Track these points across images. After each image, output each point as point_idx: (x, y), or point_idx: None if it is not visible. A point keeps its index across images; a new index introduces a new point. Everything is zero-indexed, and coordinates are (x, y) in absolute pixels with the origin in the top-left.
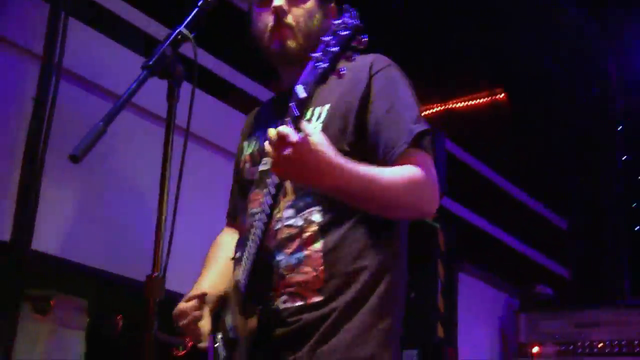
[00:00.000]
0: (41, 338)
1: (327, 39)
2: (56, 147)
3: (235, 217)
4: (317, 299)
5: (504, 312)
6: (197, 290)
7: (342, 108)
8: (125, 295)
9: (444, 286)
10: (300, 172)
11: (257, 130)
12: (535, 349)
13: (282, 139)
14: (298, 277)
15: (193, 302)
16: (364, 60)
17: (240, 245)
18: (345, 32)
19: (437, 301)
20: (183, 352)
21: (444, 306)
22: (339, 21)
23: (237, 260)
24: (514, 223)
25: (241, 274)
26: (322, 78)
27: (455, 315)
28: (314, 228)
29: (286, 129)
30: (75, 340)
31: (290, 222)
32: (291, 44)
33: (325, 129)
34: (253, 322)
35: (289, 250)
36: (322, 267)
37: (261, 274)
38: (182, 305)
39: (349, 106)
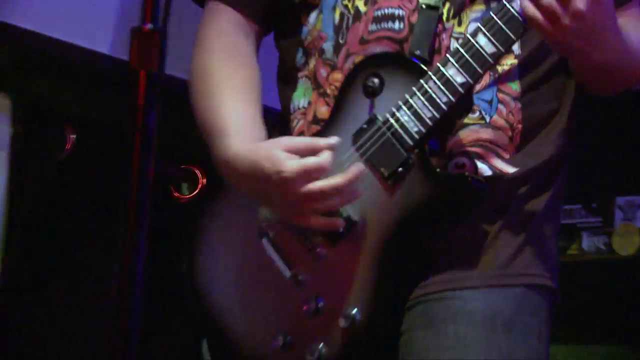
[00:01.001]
0: None
1: None
2: None
3: (257, 6)
4: (507, 168)
5: None
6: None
7: None
8: (81, 86)
9: None
10: (587, 41)
11: None
12: None
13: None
14: (484, 133)
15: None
16: None
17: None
18: None
19: None
20: (188, 197)
21: None
22: None
23: (370, 91)
24: None
25: (409, 121)
26: None
27: None
28: (512, 60)
29: None
30: None
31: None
32: None
33: None
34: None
35: (475, 87)
36: (520, 124)
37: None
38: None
39: None
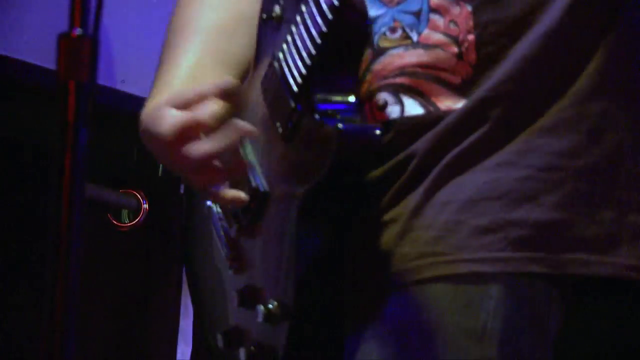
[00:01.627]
0: None
1: None
2: None
3: None
4: (453, 104)
5: None
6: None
7: None
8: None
9: None
10: None
11: None
12: None
13: None
14: (411, 56)
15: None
16: None
17: None
18: None
19: None
20: (129, 225)
21: None
22: None
23: (271, 22)
24: None
25: (293, 60)
26: None
27: None
28: None
29: None
30: None
31: None
32: None
33: None
34: (315, 151)
35: None
36: (470, 34)
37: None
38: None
39: None
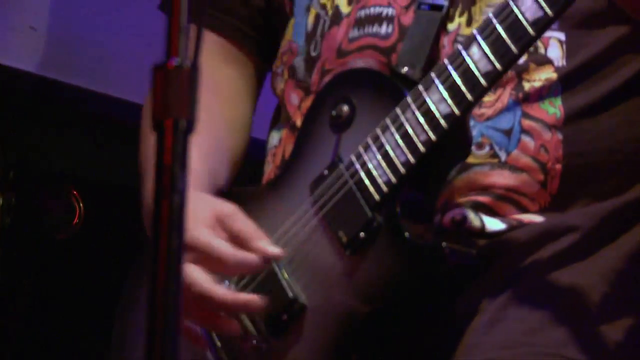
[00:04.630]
0: None
1: None
2: None
3: (244, 29)
4: (535, 218)
5: None
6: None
7: None
8: (90, 140)
9: None
10: None
11: None
12: None
13: None
14: (497, 177)
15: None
16: None
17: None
18: None
19: None
20: (65, 233)
21: None
22: None
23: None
24: None
25: (377, 167)
26: None
27: None
28: (549, 74)
29: None
30: None
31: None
32: None
33: None
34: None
35: (485, 112)
36: (558, 164)
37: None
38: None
39: None
